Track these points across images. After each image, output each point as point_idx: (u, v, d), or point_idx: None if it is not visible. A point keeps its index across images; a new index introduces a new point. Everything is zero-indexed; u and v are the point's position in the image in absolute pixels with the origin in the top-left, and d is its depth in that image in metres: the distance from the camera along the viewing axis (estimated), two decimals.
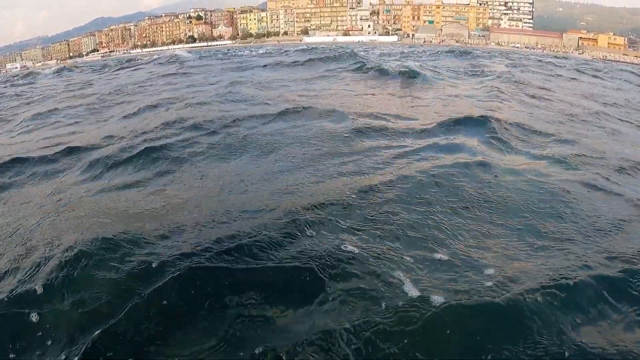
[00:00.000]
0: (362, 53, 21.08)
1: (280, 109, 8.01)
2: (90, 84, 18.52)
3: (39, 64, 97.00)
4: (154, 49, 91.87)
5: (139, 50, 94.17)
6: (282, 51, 33.19)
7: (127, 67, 25.97)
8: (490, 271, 2.72)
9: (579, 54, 67.25)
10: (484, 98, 9.54)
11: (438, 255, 2.94)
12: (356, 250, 2.96)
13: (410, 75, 11.60)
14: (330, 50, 28.23)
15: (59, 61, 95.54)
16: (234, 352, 2.22)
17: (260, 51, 37.75)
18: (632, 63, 52.83)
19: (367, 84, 11.55)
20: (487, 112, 7.52)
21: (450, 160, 5.05)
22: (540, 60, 25.25)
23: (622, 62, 54.40)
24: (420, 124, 7.09)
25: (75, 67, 39.84)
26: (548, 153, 5.61)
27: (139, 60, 32.63)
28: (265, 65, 19.05)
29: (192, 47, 75.43)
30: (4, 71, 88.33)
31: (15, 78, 32.34)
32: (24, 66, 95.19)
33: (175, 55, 32.50)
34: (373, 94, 10.05)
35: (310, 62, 18.39)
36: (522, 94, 10.60)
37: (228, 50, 49.69)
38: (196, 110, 8.25)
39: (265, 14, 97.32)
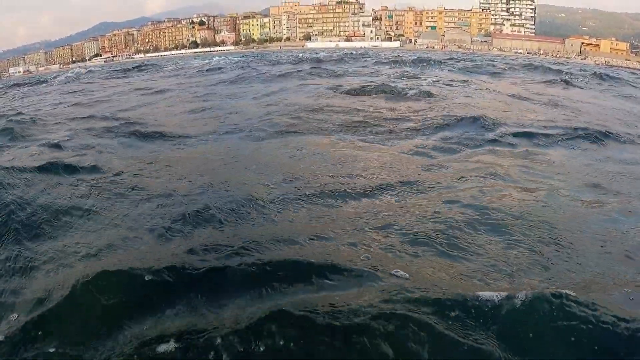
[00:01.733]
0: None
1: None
2: None
3: (42, 68, 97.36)
4: (157, 54, 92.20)
5: (141, 55, 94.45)
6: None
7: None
8: None
9: (582, 59, 67.29)
10: None
11: None
12: None
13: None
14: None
15: (61, 66, 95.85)
16: None
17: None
18: (635, 69, 52.81)
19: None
20: None
21: None
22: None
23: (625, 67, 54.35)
24: None
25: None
26: None
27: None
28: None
29: (196, 52, 75.60)
30: (7, 75, 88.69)
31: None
32: (27, 70, 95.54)
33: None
34: None
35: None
36: None
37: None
38: None
39: (267, 19, 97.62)
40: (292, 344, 2.25)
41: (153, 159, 5.97)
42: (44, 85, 24.38)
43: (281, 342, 2.25)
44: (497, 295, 2.47)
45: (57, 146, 6.79)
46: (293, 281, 2.80)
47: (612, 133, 7.21)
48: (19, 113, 11.46)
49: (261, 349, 2.24)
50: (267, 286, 2.76)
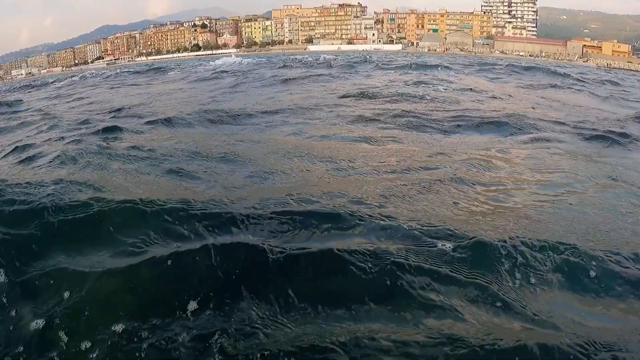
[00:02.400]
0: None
1: None
2: None
3: (44, 70, 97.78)
4: (159, 56, 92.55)
5: (143, 58, 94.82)
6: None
7: None
8: None
9: (584, 62, 67.40)
10: None
11: None
12: None
13: None
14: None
15: (64, 68, 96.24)
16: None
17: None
18: (637, 71, 52.83)
19: None
20: None
21: None
22: None
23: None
24: None
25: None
26: None
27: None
28: None
29: (197, 55, 75.89)
30: (10, 77, 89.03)
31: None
32: (29, 73, 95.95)
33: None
34: None
35: None
36: None
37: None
38: None
39: (269, 22, 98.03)
40: (316, 277, 2.67)
41: (185, 143, 6.43)
42: (50, 87, 24.51)
43: (306, 274, 2.68)
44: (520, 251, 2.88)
45: (87, 129, 7.68)
46: (327, 226, 3.25)
47: (629, 136, 7.31)
48: (40, 110, 12.08)
49: (285, 279, 2.65)
50: (298, 229, 3.22)
